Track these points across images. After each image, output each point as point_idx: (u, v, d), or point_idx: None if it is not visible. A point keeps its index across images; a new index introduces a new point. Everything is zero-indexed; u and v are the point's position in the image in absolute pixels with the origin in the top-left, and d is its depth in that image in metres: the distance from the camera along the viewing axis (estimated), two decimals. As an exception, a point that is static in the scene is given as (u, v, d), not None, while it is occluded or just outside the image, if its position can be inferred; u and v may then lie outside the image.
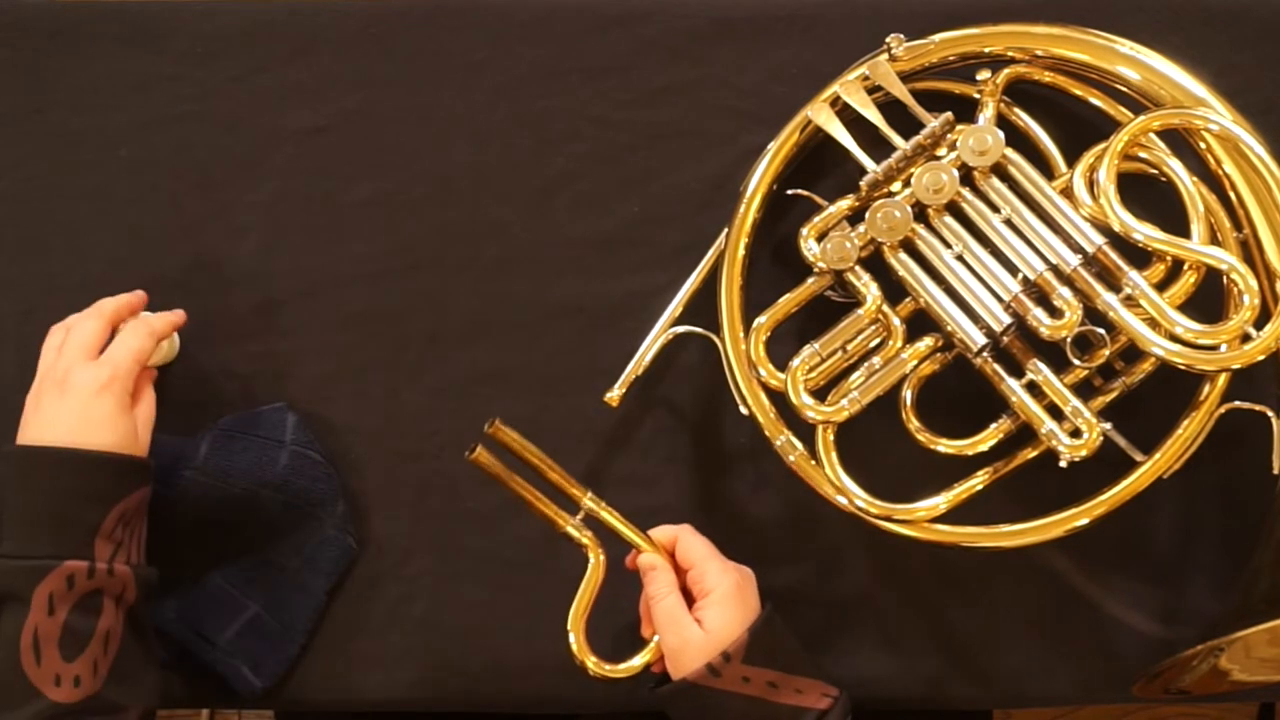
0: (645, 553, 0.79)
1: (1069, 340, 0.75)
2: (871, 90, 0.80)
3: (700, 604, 0.77)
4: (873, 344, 0.79)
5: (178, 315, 0.84)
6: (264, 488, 0.84)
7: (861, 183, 0.79)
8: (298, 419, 0.86)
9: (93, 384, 0.76)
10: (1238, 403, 0.77)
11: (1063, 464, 0.76)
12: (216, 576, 0.85)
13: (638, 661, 0.79)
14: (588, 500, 0.78)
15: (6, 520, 0.74)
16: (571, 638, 0.78)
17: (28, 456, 0.75)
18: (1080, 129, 0.82)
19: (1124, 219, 0.74)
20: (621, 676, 0.79)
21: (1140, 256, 0.75)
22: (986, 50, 0.80)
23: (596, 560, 0.78)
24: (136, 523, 0.76)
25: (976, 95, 0.81)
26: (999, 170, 0.78)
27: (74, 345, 0.78)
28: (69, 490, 0.73)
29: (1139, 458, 0.78)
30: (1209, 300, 0.77)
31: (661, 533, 0.80)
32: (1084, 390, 0.79)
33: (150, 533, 0.80)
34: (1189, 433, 0.77)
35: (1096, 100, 0.82)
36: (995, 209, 0.78)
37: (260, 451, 0.84)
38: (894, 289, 0.79)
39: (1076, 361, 0.76)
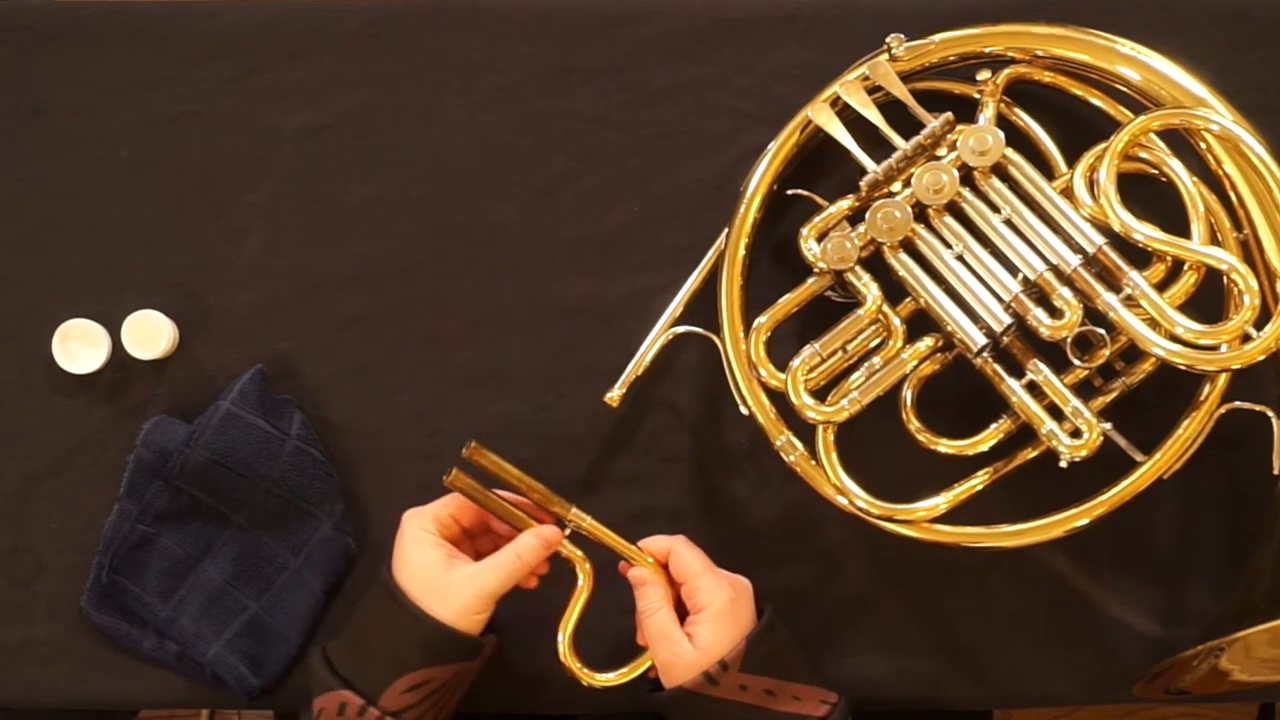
0: (636, 567, 0.79)
1: (1069, 340, 0.75)
2: (871, 90, 0.80)
3: (693, 619, 0.77)
4: (873, 344, 0.79)
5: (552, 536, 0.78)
6: (263, 480, 0.84)
7: (861, 183, 0.79)
8: (304, 417, 0.86)
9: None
10: (1238, 403, 0.77)
11: (1063, 464, 0.76)
12: (215, 575, 0.85)
13: (628, 671, 0.79)
14: (573, 515, 0.78)
15: (348, 625, 0.78)
16: (562, 652, 0.78)
17: (386, 590, 0.75)
18: (1080, 129, 0.82)
19: (1124, 219, 0.74)
20: (610, 685, 0.79)
21: (1140, 256, 0.75)
22: (986, 50, 0.80)
23: (584, 576, 0.78)
24: (443, 696, 0.76)
25: (976, 95, 0.81)
26: (999, 170, 0.78)
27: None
28: (392, 637, 0.74)
29: (1139, 458, 0.78)
30: (1209, 300, 0.77)
31: (654, 544, 0.80)
32: (1084, 390, 0.79)
33: (146, 508, 0.83)
34: (1189, 433, 0.77)
35: (1096, 100, 0.82)
36: (995, 209, 0.78)
37: (264, 443, 0.84)
38: (894, 289, 0.79)
39: (1076, 361, 0.76)
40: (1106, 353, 0.76)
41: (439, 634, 0.74)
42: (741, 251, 0.81)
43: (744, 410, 0.80)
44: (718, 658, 0.74)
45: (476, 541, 0.81)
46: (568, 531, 0.78)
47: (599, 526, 0.79)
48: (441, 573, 0.75)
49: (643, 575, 0.78)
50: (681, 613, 0.78)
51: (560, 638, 0.78)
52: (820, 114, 0.80)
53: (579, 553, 0.78)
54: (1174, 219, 0.76)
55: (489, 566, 0.75)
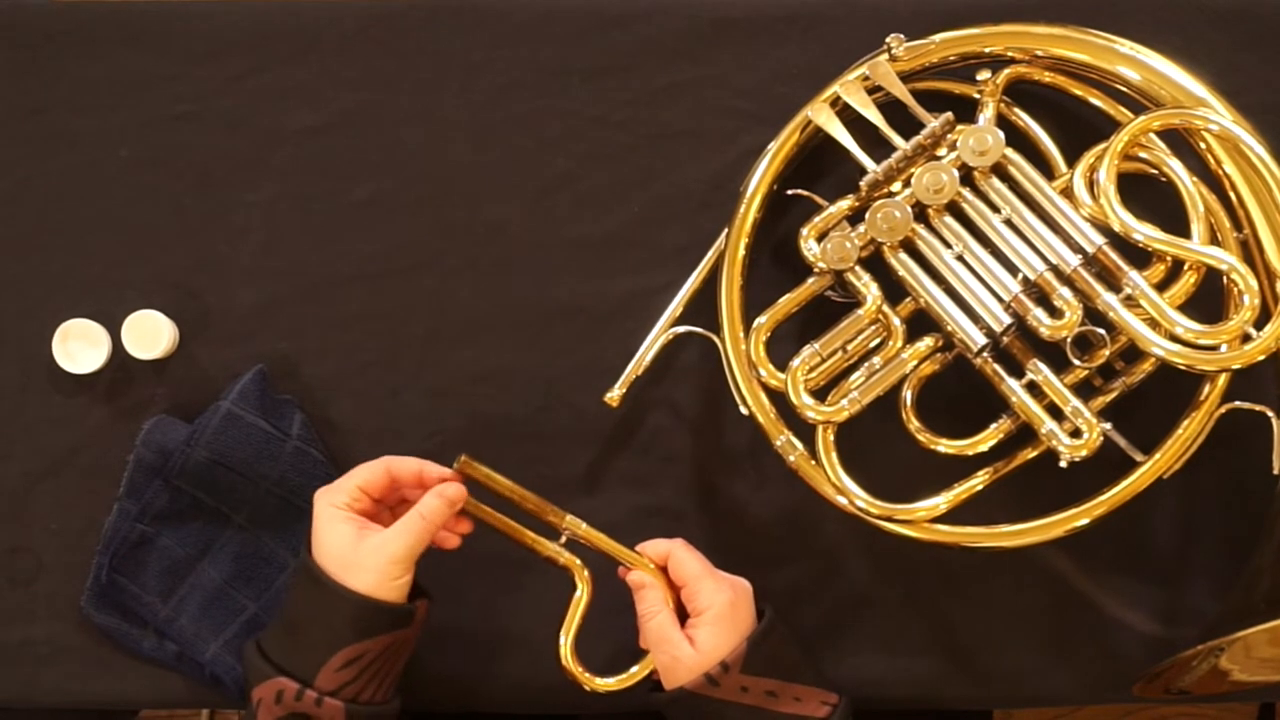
0: (634, 570, 0.79)
1: (1069, 340, 0.75)
2: (871, 90, 0.80)
3: (693, 622, 0.77)
4: (873, 344, 0.79)
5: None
6: (263, 480, 0.84)
7: (861, 183, 0.79)
8: (305, 417, 0.86)
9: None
10: (1238, 403, 0.77)
11: (1063, 464, 0.76)
12: (215, 575, 0.85)
13: (636, 670, 0.79)
14: (568, 523, 0.78)
15: (278, 613, 0.78)
16: (564, 658, 0.78)
17: (306, 572, 0.75)
18: (1080, 129, 0.82)
19: (1124, 219, 0.74)
20: (620, 689, 0.78)
21: (1140, 256, 0.75)
22: (986, 50, 0.80)
23: (583, 584, 0.78)
24: (381, 667, 0.75)
25: (976, 95, 0.81)
26: (999, 170, 0.78)
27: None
28: (318, 618, 0.74)
29: (1139, 458, 0.78)
30: (1209, 300, 0.77)
31: (653, 547, 0.80)
32: (1084, 390, 0.79)
33: (146, 508, 0.83)
34: (1189, 433, 0.77)
35: (1096, 100, 0.82)
36: (995, 209, 0.78)
37: (264, 443, 0.84)
38: (894, 289, 0.79)
39: (1076, 361, 0.76)
40: (1106, 353, 0.76)
41: (363, 607, 0.73)
42: (741, 251, 0.81)
43: (744, 410, 0.80)
44: (718, 660, 0.74)
45: (397, 512, 0.79)
46: (563, 539, 0.78)
47: (595, 533, 0.79)
48: (353, 545, 0.74)
49: (641, 579, 0.78)
50: (682, 616, 0.78)
51: (562, 644, 0.78)
52: (820, 114, 0.80)
53: (577, 560, 0.78)
54: (1174, 219, 0.76)
55: (395, 532, 0.75)
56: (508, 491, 0.78)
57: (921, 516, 0.78)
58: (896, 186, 0.79)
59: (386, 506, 0.79)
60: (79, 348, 0.87)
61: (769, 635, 0.77)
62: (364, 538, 0.75)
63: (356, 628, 0.73)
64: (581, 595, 0.78)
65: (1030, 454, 0.79)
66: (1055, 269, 0.76)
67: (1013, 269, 0.77)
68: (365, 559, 0.74)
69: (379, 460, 0.77)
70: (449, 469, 0.77)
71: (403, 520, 0.75)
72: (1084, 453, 0.75)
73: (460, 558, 0.80)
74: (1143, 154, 0.78)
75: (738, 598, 0.77)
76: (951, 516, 0.78)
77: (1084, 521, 0.77)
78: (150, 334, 0.86)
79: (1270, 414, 0.77)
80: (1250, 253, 0.77)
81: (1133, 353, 0.77)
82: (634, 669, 0.79)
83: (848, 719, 0.77)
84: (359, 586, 0.73)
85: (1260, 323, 0.73)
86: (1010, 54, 0.80)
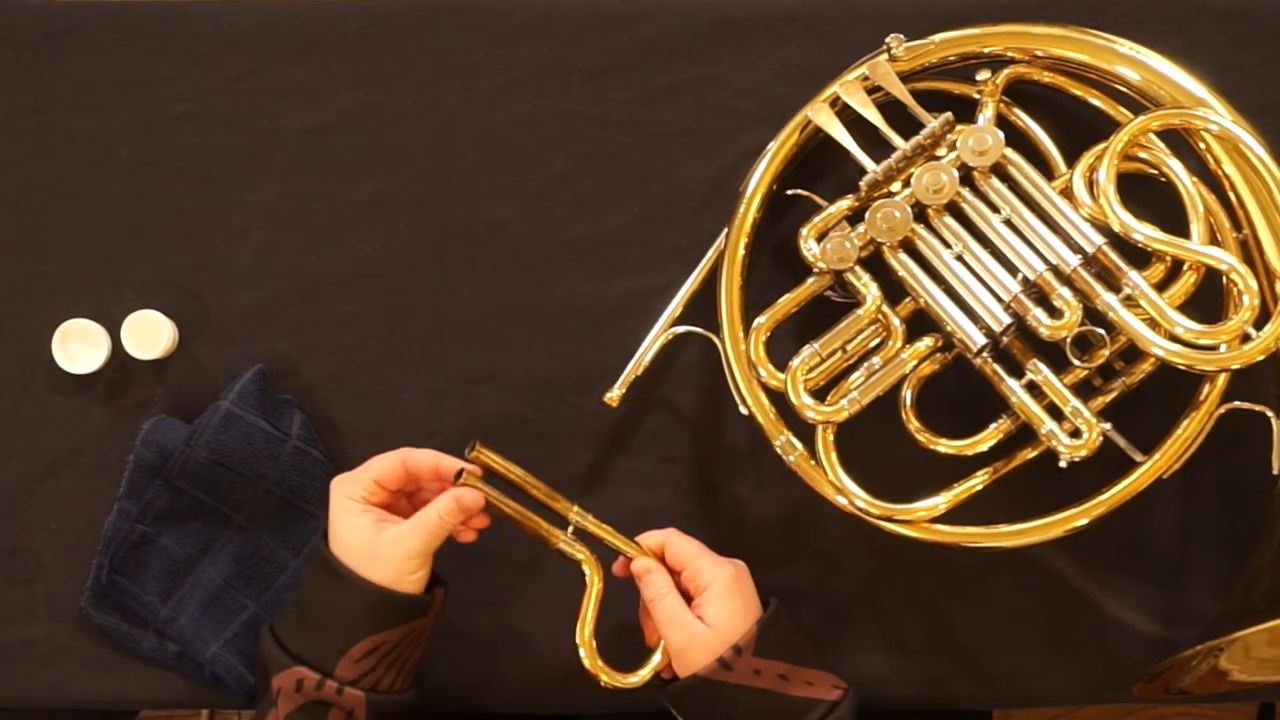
0: (638, 558, 0.79)
1: (1069, 340, 0.75)
2: (871, 90, 0.80)
3: (699, 600, 0.77)
4: (873, 344, 0.79)
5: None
6: (263, 480, 0.84)
7: (861, 183, 0.79)
8: (305, 417, 0.86)
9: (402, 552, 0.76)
10: (1238, 403, 0.77)
11: (1063, 464, 0.76)
12: (215, 575, 0.85)
13: (648, 669, 0.79)
14: (575, 514, 0.78)
15: (293, 602, 0.78)
16: (582, 653, 0.77)
17: (323, 563, 0.76)
18: (1080, 129, 0.82)
19: (1124, 219, 0.74)
20: (634, 686, 0.78)
21: (1140, 256, 0.75)
22: (986, 50, 0.80)
23: (594, 574, 0.78)
24: (399, 656, 0.76)
25: (976, 95, 0.81)
26: (999, 170, 0.78)
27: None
28: (336, 608, 0.75)
29: (1139, 458, 0.78)
30: (1209, 300, 0.77)
31: (649, 538, 0.80)
32: (1084, 390, 0.79)
33: (146, 508, 0.83)
34: (1189, 433, 0.77)
35: (1096, 100, 0.82)
36: (995, 209, 0.78)
37: (264, 443, 0.84)
38: (894, 289, 0.79)
39: (1076, 361, 0.76)
40: (1106, 353, 0.76)
41: (381, 599, 0.74)
42: (741, 251, 0.81)
43: (744, 410, 0.80)
44: (731, 634, 0.75)
45: (414, 499, 0.80)
46: (570, 530, 0.78)
47: (601, 524, 0.79)
48: (370, 539, 0.75)
49: (646, 564, 0.78)
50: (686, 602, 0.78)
51: (579, 639, 0.77)
52: (820, 114, 0.80)
53: (586, 551, 0.78)
54: (1174, 219, 0.76)
55: (412, 527, 0.75)
56: (518, 480, 0.78)
57: (921, 516, 0.78)
58: (896, 186, 0.79)
59: (403, 495, 0.80)
60: (79, 348, 0.87)
61: (778, 619, 0.77)
62: (381, 530, 0.75)
63: (374, 619, 0.74)
64: (596, 585, 0.78)
65: (1030, 454, 0.79)
66: (1055, 269, 0.76)
67: (1012, 269, 0.77)
68: (382, 552, 0.74)
69: (396, 453, 0.77)
70: (464, 461, 0.77)
71: (419, 517, 0.75)
72: (1084, 453, 0.75)
73: (460, 559, 0.80)
74: (1142, 154, 0.78)
75: (739, 572, 0.78)
76: (951, 516, 0.78)
77: (1084, 521, 0.77)
78: (150, 334, 0.86)
79: (1270, 414, 0.77)
80: (1250, 253, 0.77)
81: (1132, 353, 0.77)
82: (650, 664, 0.78)
83: (856, 707, 0.77)
84: (377, 579, 0.74)
85: (1260, 323, 0.73)
86: (1010, 54, 0.80)
